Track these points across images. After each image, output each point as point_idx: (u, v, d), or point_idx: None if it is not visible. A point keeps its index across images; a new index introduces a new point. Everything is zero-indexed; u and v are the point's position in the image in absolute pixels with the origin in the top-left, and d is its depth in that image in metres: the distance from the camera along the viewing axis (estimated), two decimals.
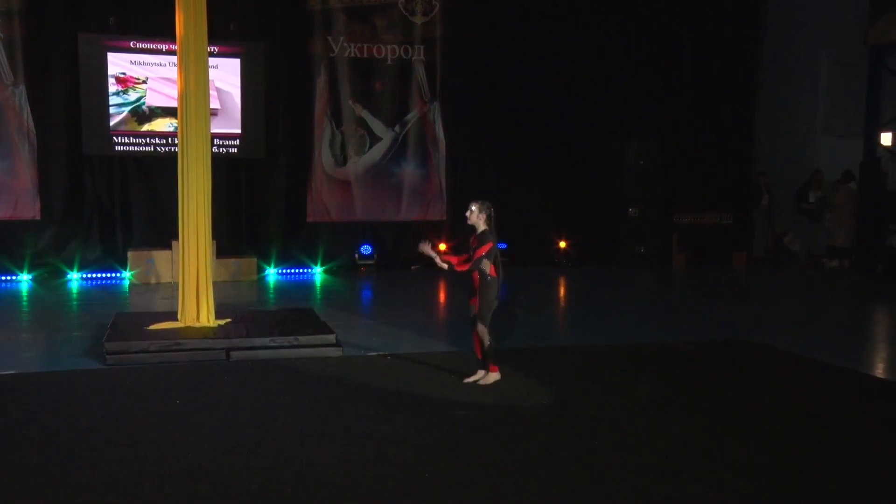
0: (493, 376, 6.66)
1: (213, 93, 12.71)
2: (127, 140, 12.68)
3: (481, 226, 6.63)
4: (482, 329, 6.62)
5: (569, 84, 14.38)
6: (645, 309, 10.96)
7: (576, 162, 14.70)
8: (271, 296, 11.54)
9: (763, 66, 16.03)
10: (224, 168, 13.24)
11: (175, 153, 12.62)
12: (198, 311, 7.95)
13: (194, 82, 7.85)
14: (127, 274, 12.30)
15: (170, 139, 12.69)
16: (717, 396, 6.48)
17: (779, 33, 15.94)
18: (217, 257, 12.06)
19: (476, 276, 6.64)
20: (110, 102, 12.53)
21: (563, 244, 14.74)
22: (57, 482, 4.56)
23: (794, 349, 8.17)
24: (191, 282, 7.93)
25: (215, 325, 7.97)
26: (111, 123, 12.55)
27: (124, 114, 12.62)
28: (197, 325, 7.89)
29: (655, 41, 14.88)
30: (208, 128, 8.00)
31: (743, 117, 15.77)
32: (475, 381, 6.66)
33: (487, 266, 6.55)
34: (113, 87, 12.53)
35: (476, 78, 14.14)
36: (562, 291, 12.70)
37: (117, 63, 12.53)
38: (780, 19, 15.95)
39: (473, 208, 6.64)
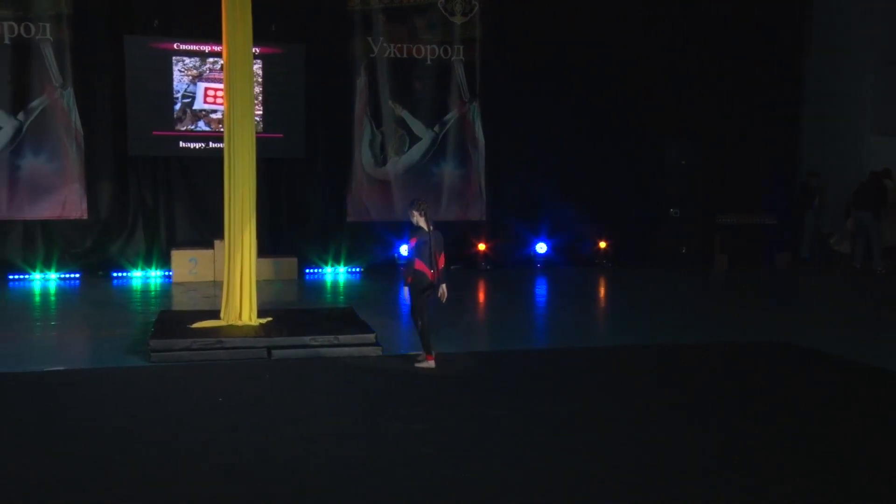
0: (429, 363, 7.20)
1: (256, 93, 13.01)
2: (171, 141, 12.88)
3: (420, 223, 7.32)
4: (415, 315, 7.29)
5: (609, 83, 14.31)
6: (686, 310, 10.87)
7: (616, 162, 14.61)
8: (312, 295, 11.65)
9: (809, 64, 15.78)
10: (265, 168, 13.39)
11: (218, 154, 12.99)
12: (240, 309, 8.07)
13: (240, 83, 7.97)
14: (170, 272, 12.51)
15: (212, 141, 12.89)
16: (757, 399, 6.41)
17: (825, 31, 15.68)
18: (258, 257, 12.19)
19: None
20: (155, 103, 12.73)
21: (602, 244, 14.66)
22: (101, 476, 4.67)
23: (838, 352, 8.04)
24: (234, 281, 8.05)
25: (257, 323, 8.07)
26: (156, 124, 12.75)
27: (170, 114, 12.82)
28: (239, 323, 8.01)
29: (698, 39, 14.75)
30: (253, 129, 8.12)
31: (789, 116, 15.55)
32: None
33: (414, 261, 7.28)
34: (157, 87, 12.73)
35: (515, 78, 14.12)
36: (602, 292, 12.64)
37: (162, 65, 12.72)
38: (826, 16, 15.70)
39: (412, 207, 7.40)
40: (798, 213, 15.41)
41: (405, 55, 13.84)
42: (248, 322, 8.05)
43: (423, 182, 14.09)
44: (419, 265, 7.26)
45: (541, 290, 12.86)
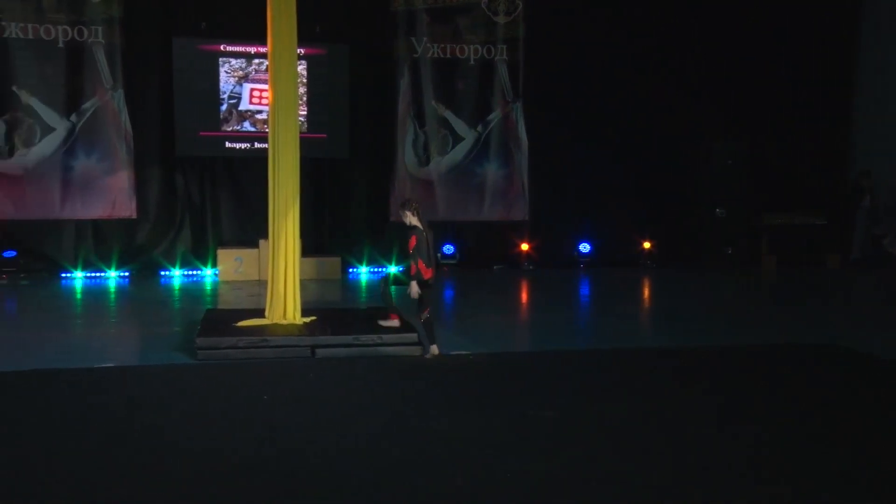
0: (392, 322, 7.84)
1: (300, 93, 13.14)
2: (217, 141, 13.07)
3: (414, 222, 7.56)
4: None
5: (653, 82, 14.18)
6: (732, 312, 10.72)
7: (660, 161, 14.47)
8: (355, 295, 11.73)
9: (861, 60, 15.46)
10: (308, 168, 13.52)
11: (263, 154, 13.11)
12: (284, 308, 8.16)
13: (284, 84, 8.05)
14: (216, 271, 12.71)
15: (257, 141, 13.06)
16: (805, 401, 6.31)
17: (877, 27, 15.33)
18: (302, 256, 12.32)
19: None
20: (202, 104, 12.93)
21: (647, 245, 14.54)
22: (146, 471, 4.76)
23: (890, 355, 7.87)
24: (279, 280, 8.14)
25: (301, 322, 8.15)
26: (202, 125, 12.95)
27: (216, 115, 13.01)
28: (284, 322, 8.10)
29: (745, 36, 14.54)
30: (297, 129, 8.19)
31: (839, 114, 15.25)
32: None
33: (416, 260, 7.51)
34: (204, 88, 12.92)
35: (559, 77, 14.06)
36: (646, 293, 12.54)
37: (209, 66, 12.91)
38: (878, 12, 15.34)
39: (402, 205, 7.70)
40: (848, 213, 15.11)
41: (448, 55, 13.87)
42: (292, 321, 8.13)
43: (466, 182, 14.11)
44: (420, 264, 7.45)
45: (584, 290, 12.79)
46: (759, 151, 14.56)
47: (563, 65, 14.04)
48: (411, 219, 7.54)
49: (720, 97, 14.45)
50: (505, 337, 8.88)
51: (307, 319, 8.24)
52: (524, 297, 12.19)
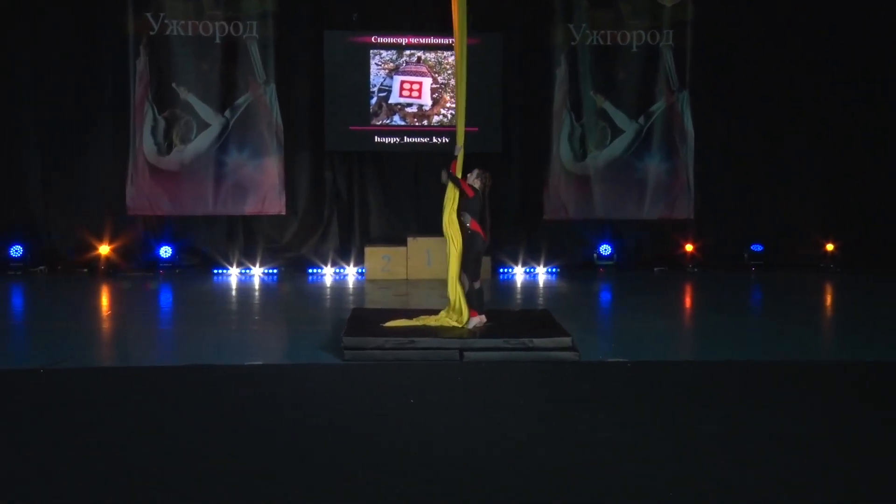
0: (474, 321, 8.00)
1: (435, 85, 13.31)
2: (366, 136, 13.41)
3: (475, 185, 8.11)
4: (462, 276, 7.97)
5: (837, 66, 13.45)
6: None
7: (845, 153, 13.69)
8: (505, 296, 11.75)
9: None
10: None
11: (412, 149, 13.45)
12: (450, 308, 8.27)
13: (462, 74, 8.55)
14: (363, 269, 13.06)
15: (407, 135, 13.31)
16: None
17: None
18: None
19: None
20: (352, 98, 13.30)
21: (830, 247, 13.77)
22: (294, 470, 4.93)
23: None
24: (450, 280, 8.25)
25: (450, 324, 8.19)
26: (352, 119, 13.32)
27: (366, 109, 13.35)
28: (433, 323, 8.19)
29: None
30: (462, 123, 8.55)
31: None
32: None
33: (468, 219, 7.98)
34: (354, 81, 13.27)
35: (730, 64, 13.54)
36: (827, 300, 11.88)
37: (360, 59, 13.26)
38: None
39: (475, 172, 8.26)
40: None
41: (609, 42, 13.65)
42: (444, 322, 8.18)
43: (626, 177, 13.85)
44: (474, 225, 7.94)
45: (755, 295, 12.28)
46: None
47: (734, 50, 13.54)
48: (473, 180, 8.11)
49: None
50: (666, 345, 8.65)
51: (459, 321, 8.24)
52: (688, 301, 11.83)
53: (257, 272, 13.26)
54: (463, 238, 8.01)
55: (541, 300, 11.34)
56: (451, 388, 6.72)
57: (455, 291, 8.11)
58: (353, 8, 13.30)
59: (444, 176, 8.12)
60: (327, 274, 13.35)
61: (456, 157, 8.21)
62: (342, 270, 13.44)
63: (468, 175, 8.24)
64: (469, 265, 8.03)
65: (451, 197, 8.14)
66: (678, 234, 13.88)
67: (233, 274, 13.21)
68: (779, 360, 7.80)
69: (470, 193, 8.03)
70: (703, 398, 6.47)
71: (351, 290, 12.13)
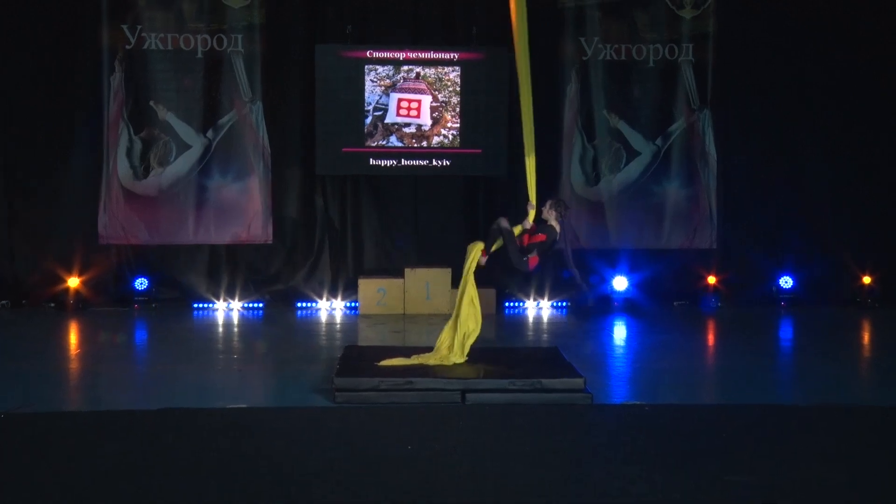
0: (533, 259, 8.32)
1: (435, 104, 13.38)
2: (361, 158, 13.42)
3: (550, 221, 8.29)
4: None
5: (876, 81, 13.53)
6: None
7: (884, 178, 13.74)
8: (511, 332, 11.74)
9: None
10: (462, 187, 13.72)
11: (411, 172, 13.48)
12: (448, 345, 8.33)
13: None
14: (356, 303, 13.05)
15: (405, 158, 13.36)
16: None
17: None
18: (452, 287, 12.49)
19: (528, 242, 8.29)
20: (345, 117, 13.31)
21: (867, 279, 13.77)
22: None
23: None
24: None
25: (451, 363, 8.20)
26: (345, 140, 13.34)
27: (360, 129, 13.39)
28: (432, 362, 8.19)
29: None
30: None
31: None
32: None
33: (532, 253, 8.25)
34: (348, 100, 13.31)
35: (757, 80, 13.63)
36: (865, 338, 11.87)
37: (353, 75, 13.32)
38: None
39: (549, 203, 8.45)
40: None
41: (623, 57, 13.74)
42: (447, 360, 8.20)
43: (642, 203, 13.88)
44: (533, 260, 8.23)
45: (785, 333, 12.27)
46: None
47: (760, 64, 13.63)
48: (552, 217, 8.20)
49: None
50: (688, 386, 8.63)
51: (458, 359, 8.27)
52: (711, 339, 11.82)
53: (240, 306, 13.26)
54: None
55: (549, 337, 11.33)
56: (452, 434, 6.69)
57: (451, 336, 8.21)
58: (347, 20, 13.40)
59: (499, 224, 8.29)
60: (318, 308, 13.35)
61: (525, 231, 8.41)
62: (334, 304, 13.44)
63: (542, 210, 8.39)
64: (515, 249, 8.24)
65: (474, 255, 8.38)
66: (700, 266, 13.88)
67: (215, 308, 13.21)
68: (812, 404, 7.78)
69: (543, 238, 8.23)
70: (729, 445, 6.44)
71: (343, 326, 12.12)
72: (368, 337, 11.27)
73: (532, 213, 8.34)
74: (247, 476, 5.67)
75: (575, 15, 13.70)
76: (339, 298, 13.47)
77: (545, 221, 8.28)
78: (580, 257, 13.71)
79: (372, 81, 13.40)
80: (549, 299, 13.59)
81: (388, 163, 13.49)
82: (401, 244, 13.78)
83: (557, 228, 8.20)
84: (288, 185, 13.64)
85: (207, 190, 13.40)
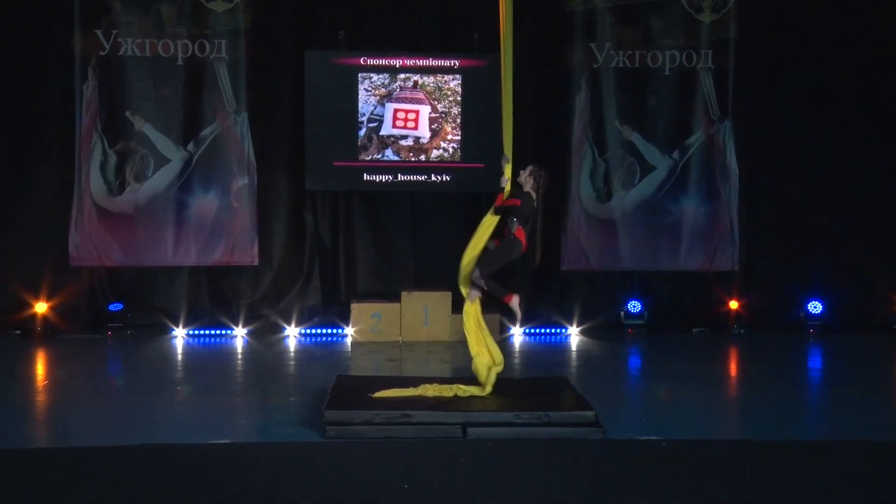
0: (515, 300, 8.63)
1: (434, 114, 13.45)
2: (354, 173, 13.46)
3: (526, 188, 8.32)
4: (476, 274, 8.30)
5: None
6: None
7: None
8: (517, 360, 11.75)
9: None
10: (463, 204, 13.73)
11: (408, 188, 13.51)
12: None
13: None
14: (349, 330, 13.07)
15: (401, 173, 13.41)
16: None
17: None
18: (452, 313, 12.51)
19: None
20: (337, 129, 13.35)
21: None
22: None
23: None
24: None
25: (452, 395, 8.22)
26: (337, 154, 13.38)
27: (353, 142, 13.43)
28: (430, 393, 8.20)
29: None
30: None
31: None
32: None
33: (514, 226, 8.25)
34: (340, 110, 13.35)
35: (782, 89, 13.68)
36: None
37: (346, 83, 13.37)
38: None
39: (528, 169, 8.45)
40: None
41: (637, 64, 13.80)
42: (446, 392, 8.23)
43: (658, 221, 13.91)
44: (519, 233, 8.23)
45: (814, 362, 12.28)
46: None
47: (785, 72, 13.69)
48: (526, 180, 8.32)
49: None
50: (709, 419, 8.64)
51: (460, 391, 8.30)
52: (734, 368, 11.82)
53: (223, 333, 13.27)
54: (504, 240, 8.35)
55: (556, 365, 11.33)
56: (452, 471, 6.70)
57: (482, 360, 8.38)
58: (339, 24, 13.47)
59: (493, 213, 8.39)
60: (307, 334, 13.36)
61: (502, 189, 8.43)
62: (324, 330, 13.45)
63: (520, 172, 8.50)
64: (488, 260, 8.39)
65: (487, 227, 8.48)
66: (721, 289, 13.90)
67: (195, 335, 13.21)
68: (843, 440, 7.79)
69: (517, 202, 8.26)
70: (754, 484, 6.45)
71: (334, 354, 12.12)
72: (362, 366, 11.27)
73: (508, 169, 8.45)
74: None
75: (584, 19, 13.77)
76: (330, 324, 13.47)
77: (521, 186, 8.45)
78: (591, 279, 13.85)
79: (366, 90, 13.46)
80: (560, 324, 13.60)
81: (384, 178, 13.53)
82: None
83: (534, 196, 8.35)
84: (275, 201, 13.66)
85: (188, 207, 13.42)
